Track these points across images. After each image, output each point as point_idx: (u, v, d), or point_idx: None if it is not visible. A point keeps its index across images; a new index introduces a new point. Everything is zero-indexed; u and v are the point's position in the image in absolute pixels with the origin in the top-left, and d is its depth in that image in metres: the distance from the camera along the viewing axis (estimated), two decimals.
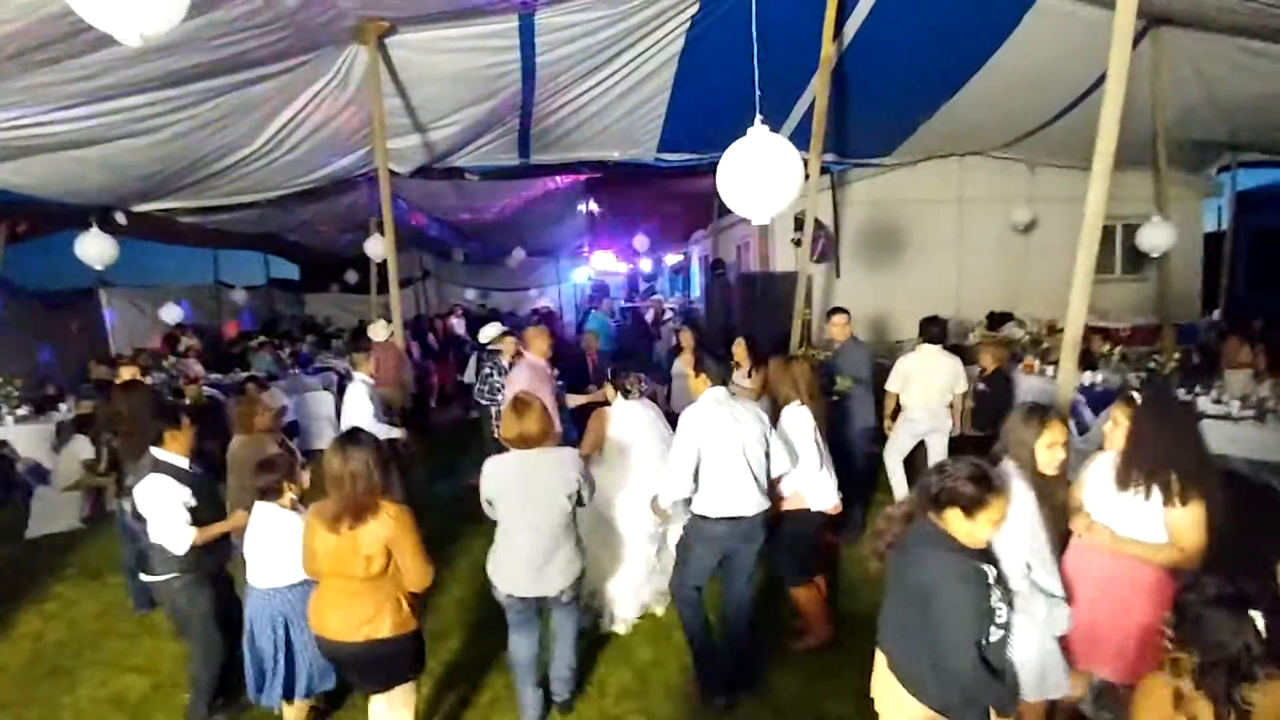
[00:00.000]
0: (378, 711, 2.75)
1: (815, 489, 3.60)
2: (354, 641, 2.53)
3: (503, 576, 2.98)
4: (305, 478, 3.02)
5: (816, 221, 7.30)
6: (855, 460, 5.14)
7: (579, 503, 3.02)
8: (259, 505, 2.92)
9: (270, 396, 6.98)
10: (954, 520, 2.04)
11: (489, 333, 6.36)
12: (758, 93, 2.76)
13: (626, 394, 4.07)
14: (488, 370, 5.83)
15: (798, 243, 8.31)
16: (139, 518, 3.02)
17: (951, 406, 5.15)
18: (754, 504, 3.18)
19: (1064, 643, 2.39)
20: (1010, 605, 2.07)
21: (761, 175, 2.67)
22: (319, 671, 2.94)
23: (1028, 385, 6.33)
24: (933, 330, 5.08)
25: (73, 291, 10.31)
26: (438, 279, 17.33)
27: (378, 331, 7.40)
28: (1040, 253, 9.61)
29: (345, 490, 2.45)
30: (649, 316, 12.78)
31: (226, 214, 8.52)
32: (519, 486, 2.93)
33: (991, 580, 2.00)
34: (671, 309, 12.35)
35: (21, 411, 7.14)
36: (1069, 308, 3.54)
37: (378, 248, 7.97)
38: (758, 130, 2.68)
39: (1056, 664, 2.35)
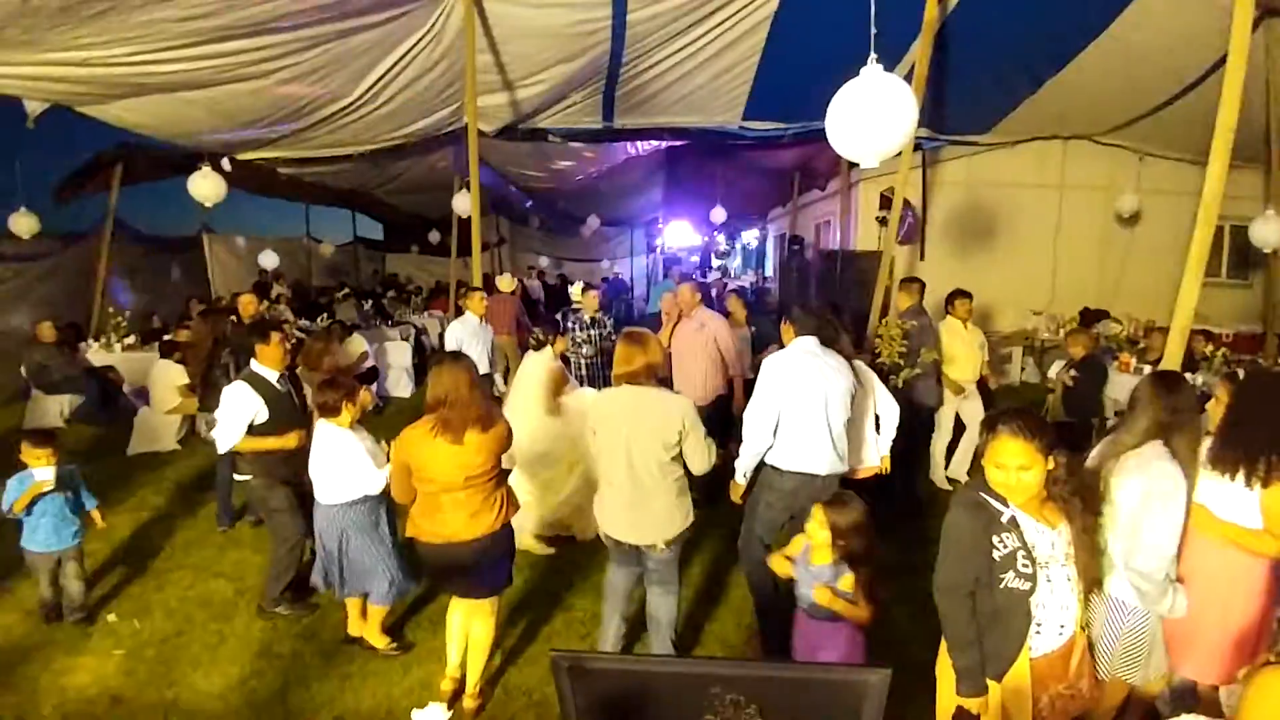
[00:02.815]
0: (455, 622, 2.92)
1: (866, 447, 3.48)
2: (470, 540, 2.69)
3: (602, 514, 2.96)
4: (366, 399, 3.17)
5: (905, 201, 6.98)
6: (914, 432, 5.01)
7: (682, 458, 2.83)
8: (320, 424, 3.09)
9: (354, 342, 7.33)
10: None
11: (577, 290, 6.72)
12: (872, 30, 2.63)
13: (538, 346, 4.53)
14: (571, 325, 5.98)
15: (883, 221, 8.00)
16: None
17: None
18: (829, 462, 3.04)
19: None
20: (1031, 559, 1.88)
21: (873, 116, 2.54)
22: (396, 575, 3.17)
23: (1122, 382, 5.95)
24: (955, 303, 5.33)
25: (179, 238, 11.10)
26: (512, 245, 17.64)
27: (504, 284, 8.08)
28: (1143, 249, 8.94)
29: (473, 403, 2.62)
30: (713, 292, 12.68)
31: (321, 166, 8.90)
32: (620, 420, 2.83)
33: (1004, 520, 1.88)
34: (742, 286, 12.17)
35: (128, 341, 7.74)
36: (1178, 298, 3.31)
37: (464, 203, 8.20)
38: (871, 69, 2.55)
39: (1160, 648, 2.22)
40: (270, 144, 7.51)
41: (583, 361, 5.94)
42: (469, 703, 2.89)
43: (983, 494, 1.93)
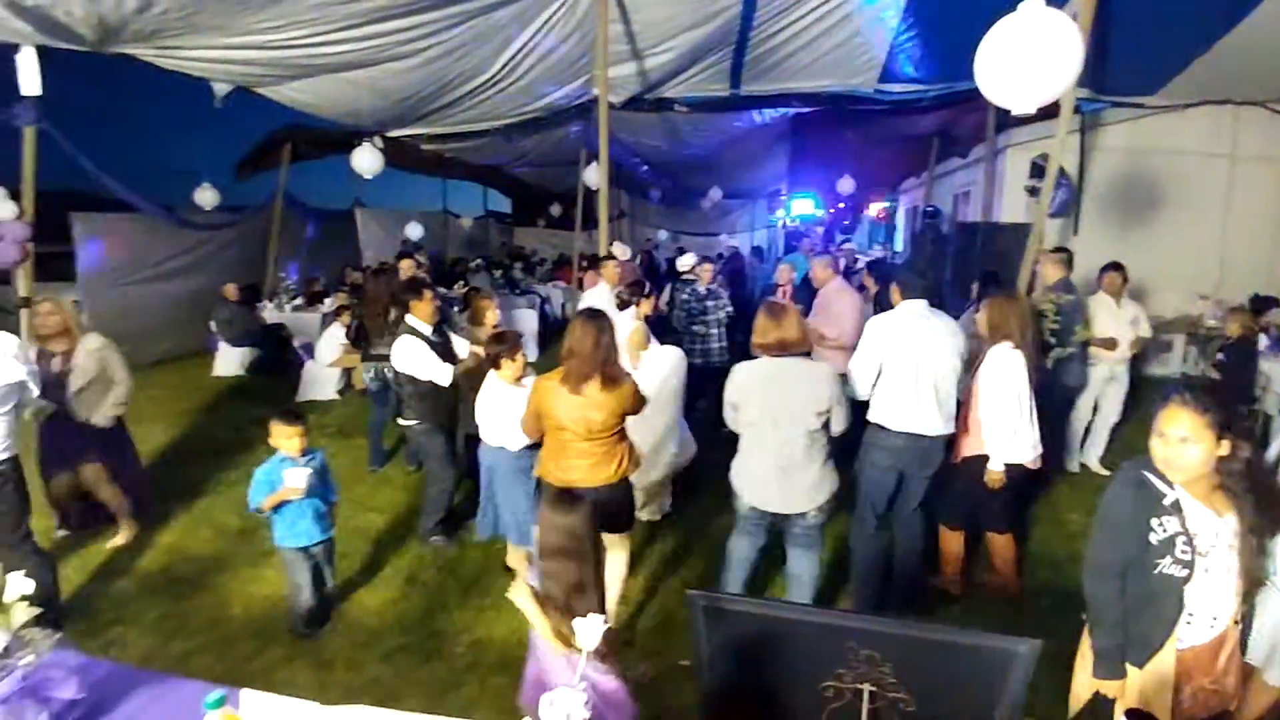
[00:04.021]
0: None
1: (1016, 440, 3.23)
2: (589, 487, 2.84)
3: (745, 485, 2.96)
4: (522, 360, 3.35)
5: (1060, 169, 6.33)
6: (1060, 418, 4.74)
7: (828, 426, 2.85)
8: (490, 375, 3.34)
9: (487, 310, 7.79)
10: None
11: (686, 261, 6.76)
12: None
13: (622, 306, 4.62)
14: (685, 297, 6.00)
15: (1034, 191, 7.31)
16: (396, 378, 3.72)
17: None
18: (934, 424, 3.08)
19: None
20: (1191, 546, 1.73)
21: (1033, 56, 2.32)
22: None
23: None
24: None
25: (336, 210, 12.20)
26: (631, 218, 17.83)
27: (621, 251, 8.15)
28: None
29: (599, 356, 2.75)
30: (841, 264, 12.15)
31: (459, 142, 9.40)
32: (765, 393, 2.85)
33: (1166, 502, 1.75)
34: (878, 259, 11.57)
35: (295, 302, 8.64)
36: None
37: (592, 175, 8.43)
38: (1031, 4, 2.31)
39: None
40: (416, 121, 8.02)
41: (712, 334, 5.91)
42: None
43: (1146, 472, 1.79)
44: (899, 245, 15.62)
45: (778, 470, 2.83)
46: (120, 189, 6.51)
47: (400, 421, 4.08)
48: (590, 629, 1.23)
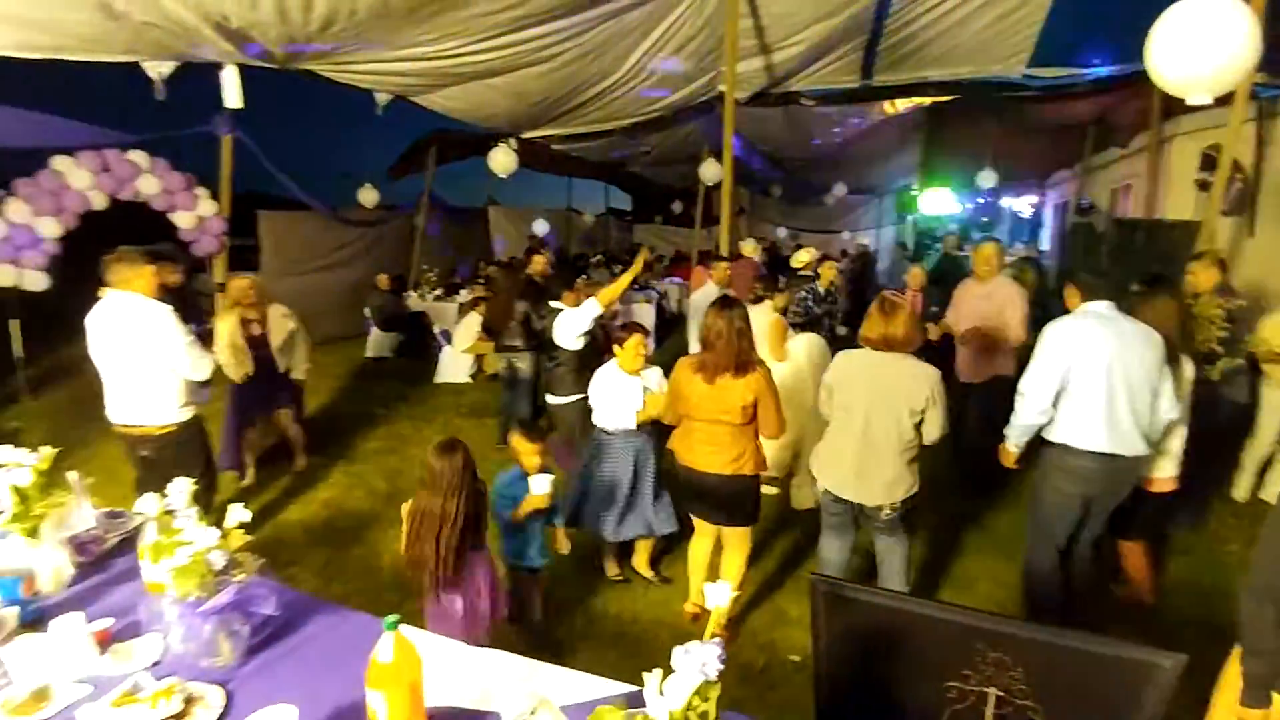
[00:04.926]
0: (698, 552, 3.20)
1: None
2: (722, 474, 2.94)
3: (823, 470, 2.98)
4: (639, 351, 3.46)
5: (1234, 162, 5.60)
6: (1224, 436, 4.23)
7: (919, 429, 2.79)
8: (610, 362, 3.49)
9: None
10: None
11: (802, 257, 6.68)
12: None
13: (755, 300, 4.52)
14: (803, 294, 5.92)
15: (1204, 186, 6.53)
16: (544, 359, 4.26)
17: None
18: (1131, 444, 2.74)
19: None
20: None
21: (1211, 40, 2.12)
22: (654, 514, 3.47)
23: None
24: None
25: (472, 208, 13.05)
26: (749, 215, 17.64)
27: (746, 248, 8.26)
28: None
29: (732, 346, 2.82)
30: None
31: (586, 142, 9.76)
32: (862, 383, 2.85)
33: None
34: (1030, 256, 10.73)
35: (436, 293, 9.35)
36: None
37: (714, 172, 8.46)
38: None
39: None
40: (548, 123, 8.43)
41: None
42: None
43: None
44: (1045, 243, 14.40)
45: (857, 459, 2.81)
46: (296, 190, 7.36)
47: (549, 399, 4.27)
48: (719, 592, 1.29)
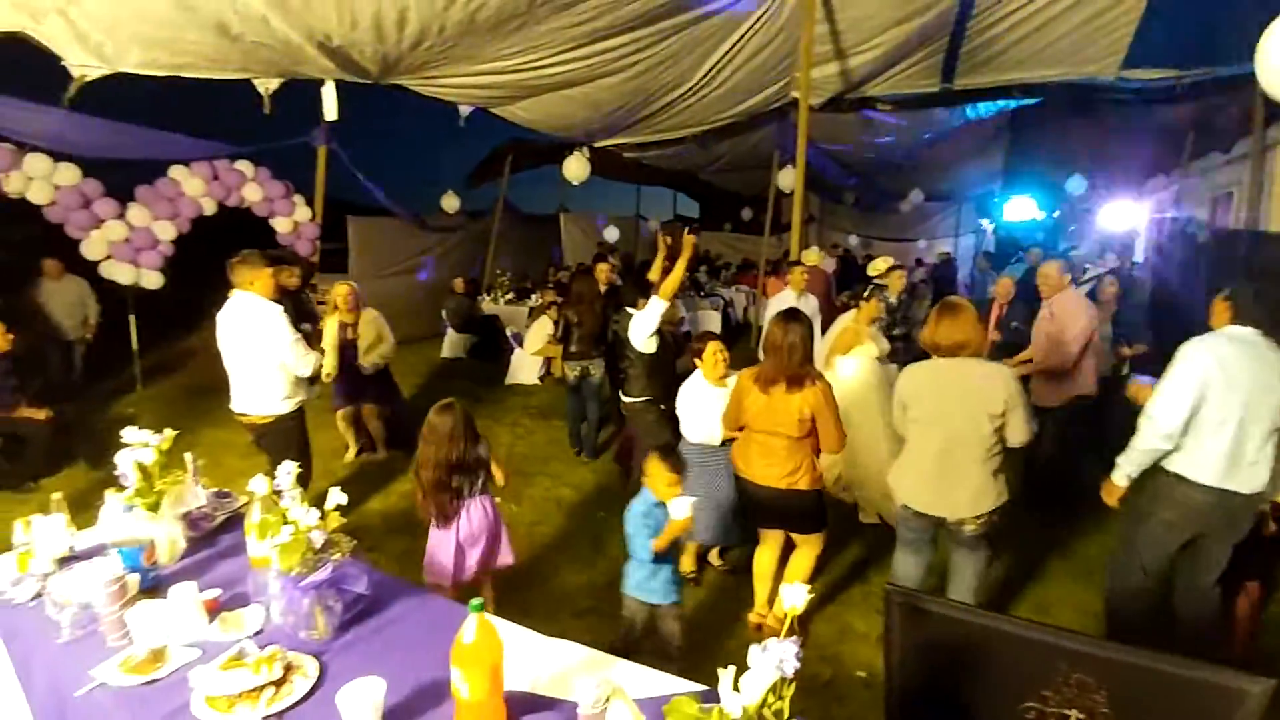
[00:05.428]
0: (763, 560, 3.20)
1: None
2: (776, 488, 2.92)
3: (903, 484, 2.87)
4: (719, 359, 3.44)
5: None
6: None
7: (1001, 434, 2.66)
8: (695, 373, 3.47)
9: (673, 307, 8.09)
10: None
11: (880, 265, 6.49)
12: None
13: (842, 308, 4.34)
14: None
15: None
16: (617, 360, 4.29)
17: None
18: (1255, 480, 2.53)
19: None
20: None
21: None
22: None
23: None
24: None
25: (544, 215, 13.36)
26: (820, 223, 17.31)
27: (810, 257, 8.10)
28: None
29: (784, 359, 2.82)
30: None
31: (657, 150, 9.87)
32: (933, 393, 2.75)
33: None
34: (1116, 269, 10.10)
35: (508, 297, 9.64)
36: None
37: (786, 178, 8.41)
38: None
39: None
40: (621, 131, 8.57)
41: (898, 346, 5.63)
42: (772, 622, 3.14)
43: None
44: (1138, 255, 13.49)
45: (937, 471, 2.70)
46: (382, 197, 7.75)
47: (623, 398, 4.31)
48: (795, 593, 1.28)
